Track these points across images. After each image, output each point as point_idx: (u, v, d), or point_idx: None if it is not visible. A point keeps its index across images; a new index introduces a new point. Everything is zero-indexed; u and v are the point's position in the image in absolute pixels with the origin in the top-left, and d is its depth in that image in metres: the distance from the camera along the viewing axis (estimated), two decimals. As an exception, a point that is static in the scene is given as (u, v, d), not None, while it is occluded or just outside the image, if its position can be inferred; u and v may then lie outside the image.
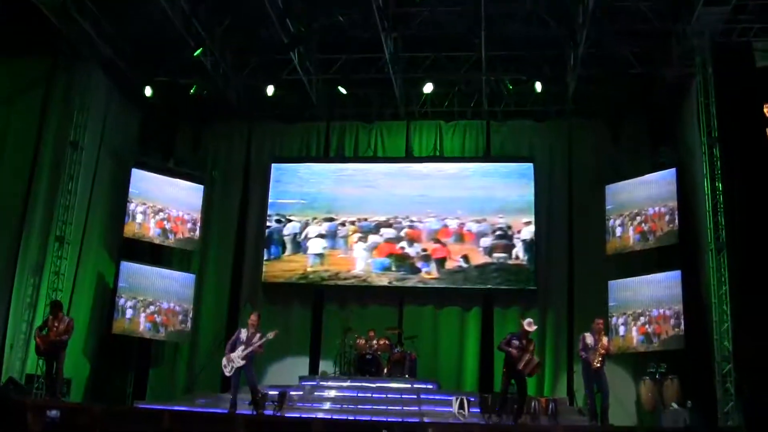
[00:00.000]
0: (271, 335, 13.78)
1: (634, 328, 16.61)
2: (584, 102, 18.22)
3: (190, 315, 18.46)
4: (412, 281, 18.32)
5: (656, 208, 16.77)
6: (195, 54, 16.44)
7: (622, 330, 16.77)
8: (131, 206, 17.91)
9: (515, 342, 13.26)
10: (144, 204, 18.12)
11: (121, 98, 18.16)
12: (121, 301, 17.43)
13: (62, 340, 13.56)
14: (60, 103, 16.50)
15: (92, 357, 17.03)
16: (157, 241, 18.40)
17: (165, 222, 18.41)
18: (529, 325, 13.38)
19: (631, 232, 17.12)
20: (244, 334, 13.78)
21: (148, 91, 17.77)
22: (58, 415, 11.52)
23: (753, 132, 13.91)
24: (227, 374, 13.70)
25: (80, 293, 16.58)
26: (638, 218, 17.03)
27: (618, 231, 17.35)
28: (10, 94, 16.52)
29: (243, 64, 17.91)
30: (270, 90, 17.91)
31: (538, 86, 17.42)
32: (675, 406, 14.35)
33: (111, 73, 17.29)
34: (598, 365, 13.16)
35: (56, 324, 13.61)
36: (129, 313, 17.52)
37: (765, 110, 13.51)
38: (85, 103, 16.16)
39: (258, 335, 13.69)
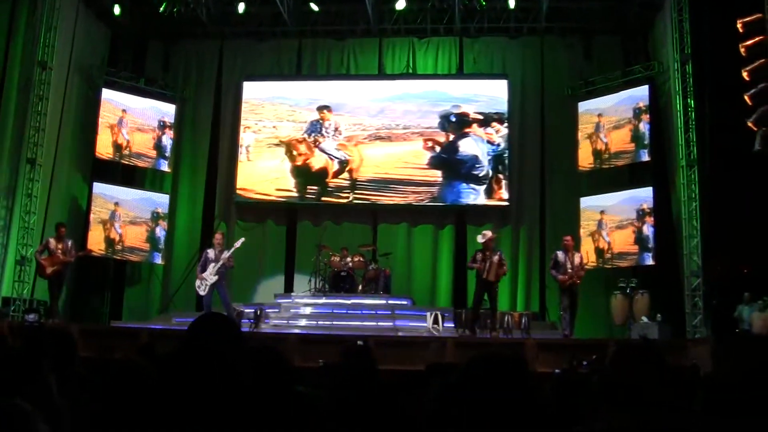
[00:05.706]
0: (237, 244, 13.99)
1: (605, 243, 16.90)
2: (557, 19, 18.10)
3: (164, 235, 18.48)
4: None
5: (628, 125, 16.86)
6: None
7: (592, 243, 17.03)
8: (102, 127, 17.73)
9: (478, 255, 13.56)
10: (115, 124, 17.95)
11: (89, 17, 17.77)
12: (94, 223, 17.41)
13: (71, 261, 13.96)
14: (26, 22, 16.12)
15: (68, 278, 17.01)
16: (129, 162, 18.29)
17: (137, 142, 18.25)
18: (483, 236, 13.69)
19: (603, 149, 17.22)
20: (211, 253, 13.91)
21: (116, 9, 17.48)
22: (36, 318, 11.71)
23: (725, 49, 13.92)
24: (202, 293, 13.85)
25: (53, 215, 16.41)
26: (610, 135, 17.12)
27: (590, 148, 17.44)
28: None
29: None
30: (241, 7, 17.66)
31: (512, 2, 17.32)
32: (645, 319, 14.66)
33: (78, -10, 16.95)
34: (571, 281, 13.42)
35: (60, 245, 13.76)
36: (103, 234, 17.50)
37: (738, 26, 13.46)
38: (52, 21, 15.76)
39: (226, 251, 13.84)
